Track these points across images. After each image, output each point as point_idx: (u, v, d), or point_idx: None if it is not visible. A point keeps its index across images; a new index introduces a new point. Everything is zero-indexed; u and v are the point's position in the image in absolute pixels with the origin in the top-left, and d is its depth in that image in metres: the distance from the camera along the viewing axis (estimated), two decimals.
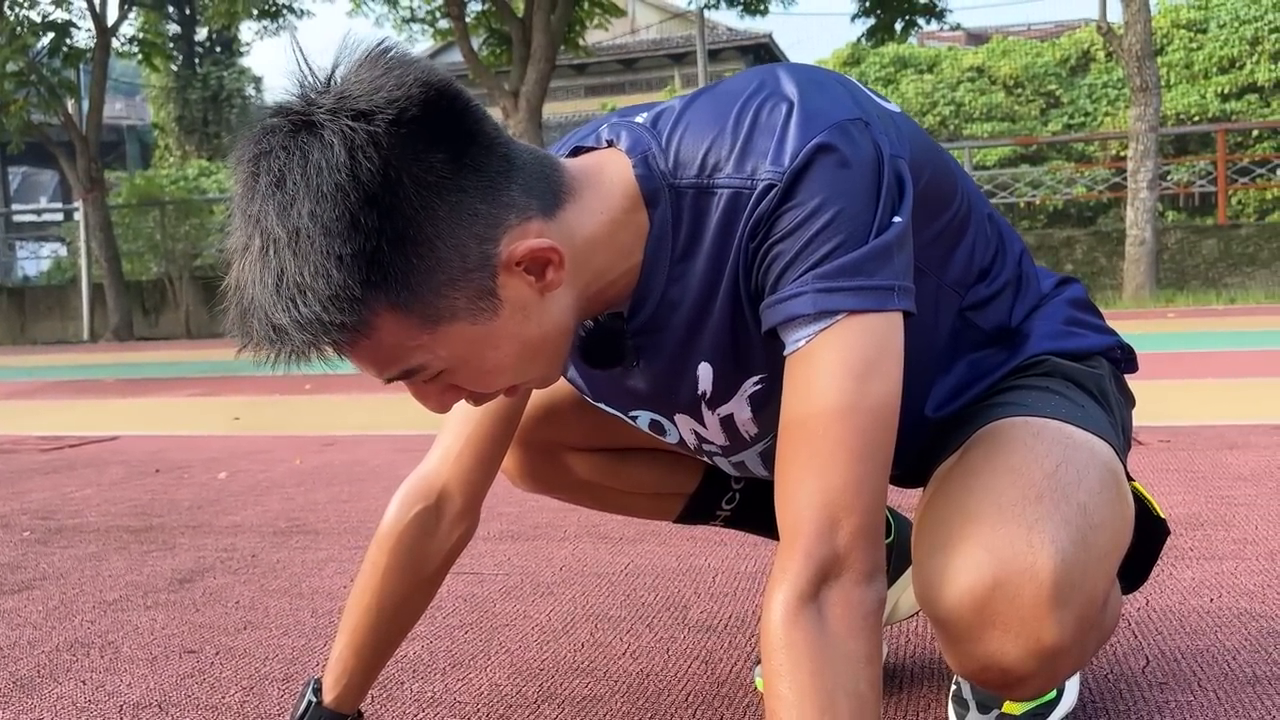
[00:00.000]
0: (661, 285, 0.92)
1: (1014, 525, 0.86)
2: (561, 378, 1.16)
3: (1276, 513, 2.13)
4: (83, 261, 13.68)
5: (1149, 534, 1.04)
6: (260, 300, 0.77)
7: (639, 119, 0.94)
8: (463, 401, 1.10)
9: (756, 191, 0.85)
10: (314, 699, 1.15)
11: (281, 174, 0.76)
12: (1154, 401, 3.80)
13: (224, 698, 1.42)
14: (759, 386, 0.98)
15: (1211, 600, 1.62)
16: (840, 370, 0.83)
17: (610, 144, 0.94)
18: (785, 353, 0.86)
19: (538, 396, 1.25)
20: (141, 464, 3.46)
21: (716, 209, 0.88)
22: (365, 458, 3.38)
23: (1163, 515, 1.06)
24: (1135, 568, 1.05)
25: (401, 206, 0.76)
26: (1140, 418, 3.74)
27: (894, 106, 0.96)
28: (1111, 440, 0.98)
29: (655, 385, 1.01)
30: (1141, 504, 1.02)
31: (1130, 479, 1.00)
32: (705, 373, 0.98)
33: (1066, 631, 0.86)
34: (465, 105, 0.81)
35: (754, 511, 1.41)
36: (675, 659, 1.49)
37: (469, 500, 1.14)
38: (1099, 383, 1.06)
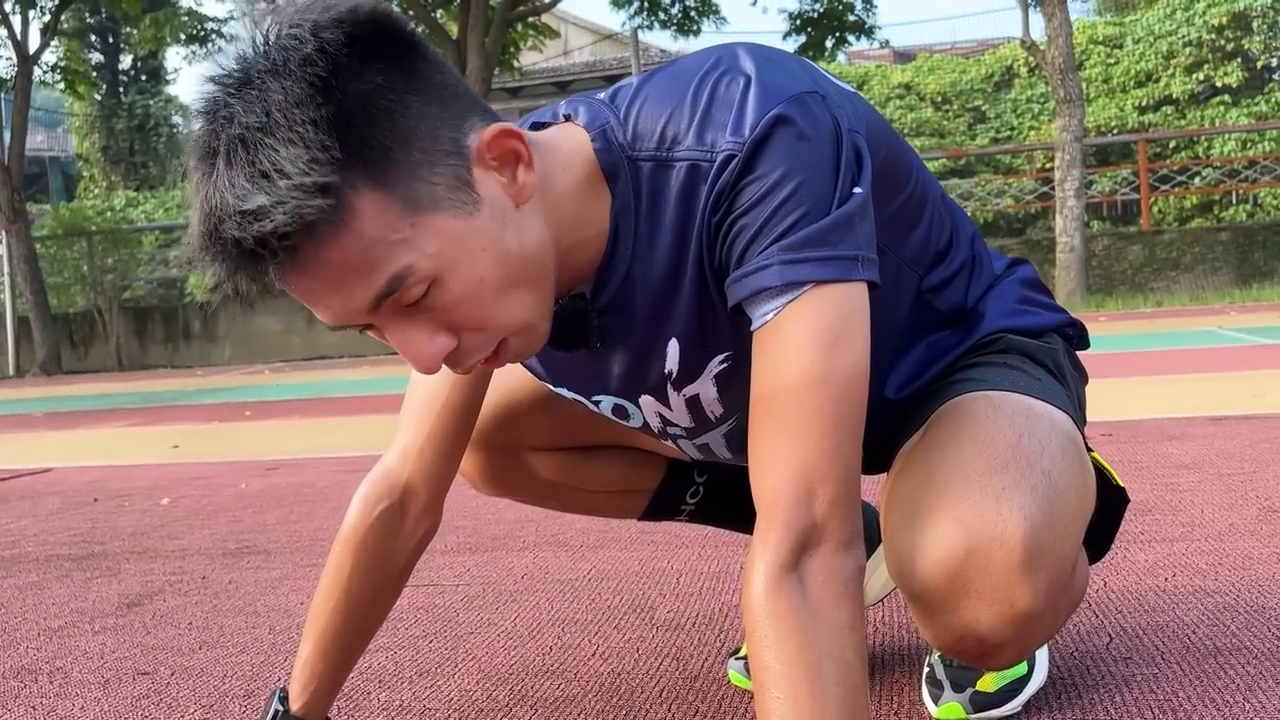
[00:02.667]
0: (626, 261, 0.92)
1: (982, 495, 0.87)
2: (522, 368, 1.15)
3: (1219, 497, 2.18)
4: (6, 295, 13.30)
5: (1110, 502, 1.06)
6: (231, 199, 0.75)
7: (598, 96, 0.94)
8: (421, 393, 1.09)
9: (717, 163, 0.85)
10: (280, 707, 1.12)
11: (246, 74, 0.77)
12: (1093, 398, 3.86)
13: (183, 717, 1.37)
14: (725, 365, 0.98)
15: (1166, 579, 1.65)
16: (809, 341, 0.83)
17: (568, 118, 0.93)
18: (753, 327, 0.86)
19: (496, 397, 1.24)
20: (78, 494, 3.35)
21: (676, 181, 0.88)
22: (312, 479, 3.31)
23: (1121, 484, 1.08)
24: (1099, 536, 1.07)
25: (371, 96, 0.77)
26: None
27: (849, 87, 0.97)
28: (1070, 412, 1.00)
29: (620, 366, 1.00)
30: (1101, 474, 1.04)
31: (1089, 449, 1.03)
32: (672, 351, 0.97)
33: (1039, 595, 0.87)
34: (411, 32, 0.82)
35: (718, 505, 1.41)
36: (645, 657, 1.47)
37: (433, 495, 1.12)
38: (1054, 357, 1.08)
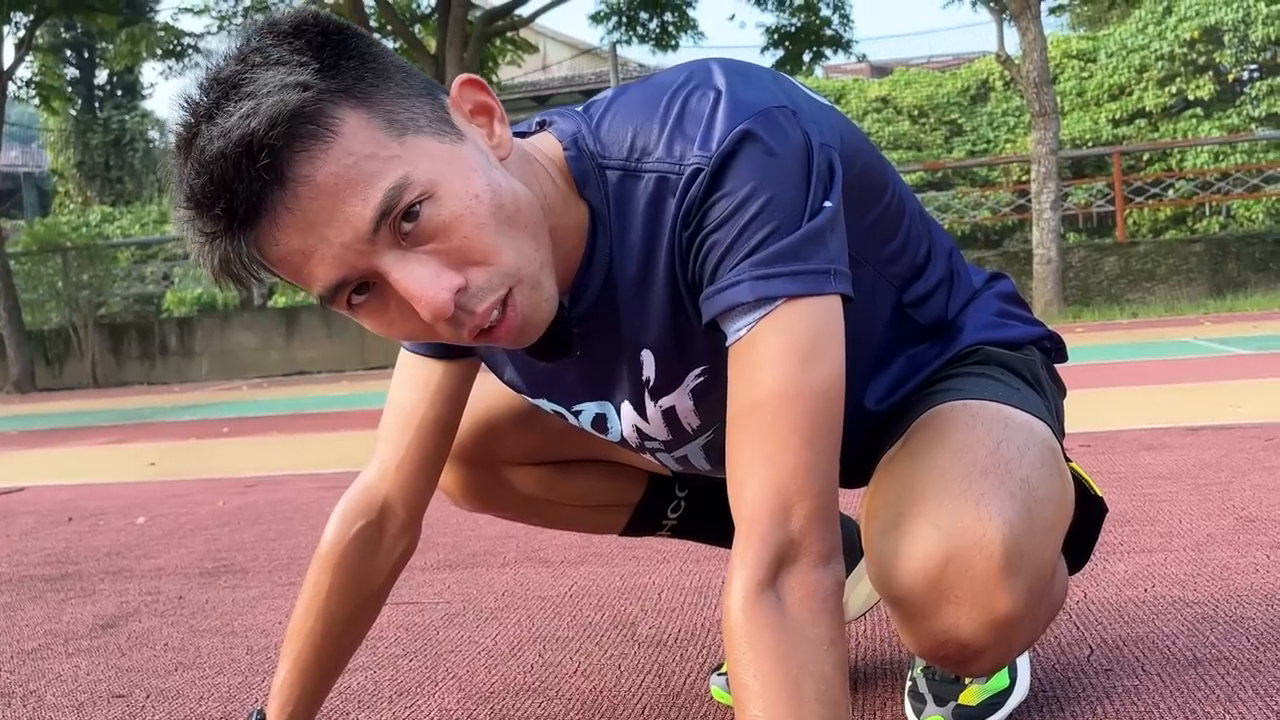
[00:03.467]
0: (604, 269, 0.92)
1: (961, 501, 0.87)
2: (499, 382, 1.14)
3: (1197, 507, 2.20)
4: None
5: (1089, 512, 1.07)
6: (218, 129, 0.75)
7: (574, 108, 0.95)
8: (399, 411, 1.08)
9: (685, 176, 0.85)
10: None
11: (218, 74, 0.79)
12: (1071, 409, 3.89)
13: None
14: (701, 379, 0.98)
15: (1145, 590, 1.66)
16: (783, 356, 0.83)
17: (543, 126, 0.95)
18: (728, 343, 0.86)
19: (475, 413, 1.23)
20: (52, 513, 3.31)
21: (644, 192, 0.88)
22: (290, 496, 3.29)
23: (1100, 494, 1.09)
24: (1078, 546, 1.08)
25: (345, 44, 0.81)
26: None
27: (825, 101, 0.97)
28: (1048, 421, 1.01)
29: (599, 375, 1.00)
30: (1080, 483, 1.05)
31: (1068, 459, 1.03)
32: (648, 360, 0.97)
33: (1019, 600, 0.87)
34: (371, 44, 0.83)
35: (700, 520, 1.41)
36: (628, 674, 1.47)
37: (411, 512, 1.11)
38: (1032, 369, 1.09)
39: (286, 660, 1.11)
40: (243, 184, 0.75)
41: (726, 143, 0.84)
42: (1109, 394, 4.39)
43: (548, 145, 0.92)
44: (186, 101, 0.79)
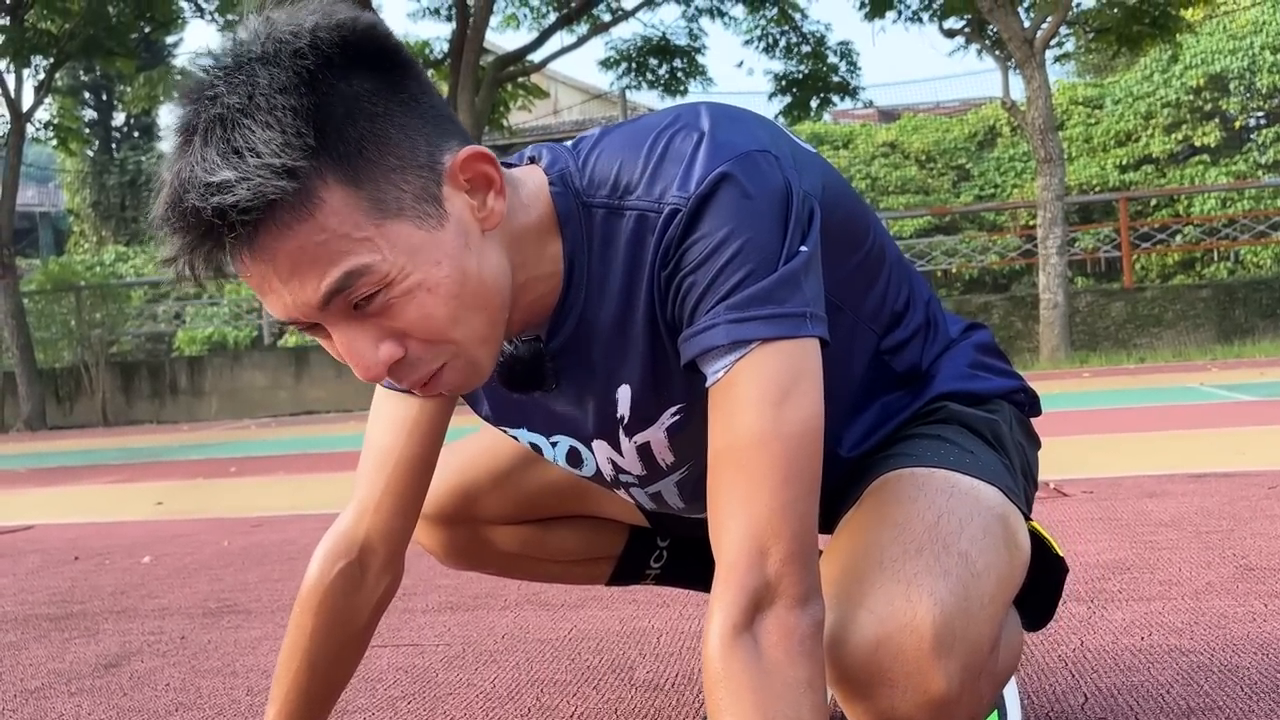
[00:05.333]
0: (580, 304, 0.94)
1: (893, 583, 0.88)
2: (475, 444, 1.15)
3: (1197, 555, 2.20)
4: None
5: (1050, 572, 1.06)
6: (200, 171, 0.76)
7: (564, 144, 0.97)
8: (375, 451, 1.10)
9: (663, 215, 0.87)
10: None
11: (237, 60, 0.79)
12: (1075, 455, 3.91)
13: None
14: (677, 417, 0.99)
15: (1142, 639, 1.66)
16: (757, 399, 0.84)
17: (533, 160, 0.96)
18: (707, 384, 0.88)
19: (451, 474, 1.25)
20: (59, 552, 3.33)
21: (625, 230, 0.90)
22: (295, 537, 3.30)
23: (1060, 553, 1.08)
24: (1040, 605, 1.08)
25: (355, 98, 0.80)
26: (1063, 470, 3.81)
27: (810, 148, 0.99)
28: (1003, 484, 1.00)
29: (574, 409, 1.01)
30: (1040, 543, 1.04)
31: (1028, 518, 1.03)
32: (624, 396, 0.98)
33: (954, 681, 0.87)
34: (404, 50, 0.84)
35: (683, 568, 1.42)
36: (624, 719, 1.47)
37: (391, 551, 1.12)
38: (993, 428, 1.08)
39: (274, 703, 1.12)
40: (212, 238, 0.78)
41: (705, 184, 0.86)
42: (1114, 439, 4.39)
43: (535, 179, 0.93)
44: (197, 92, 0.79)
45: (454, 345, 0.85)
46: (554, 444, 1.08)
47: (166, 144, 0.82)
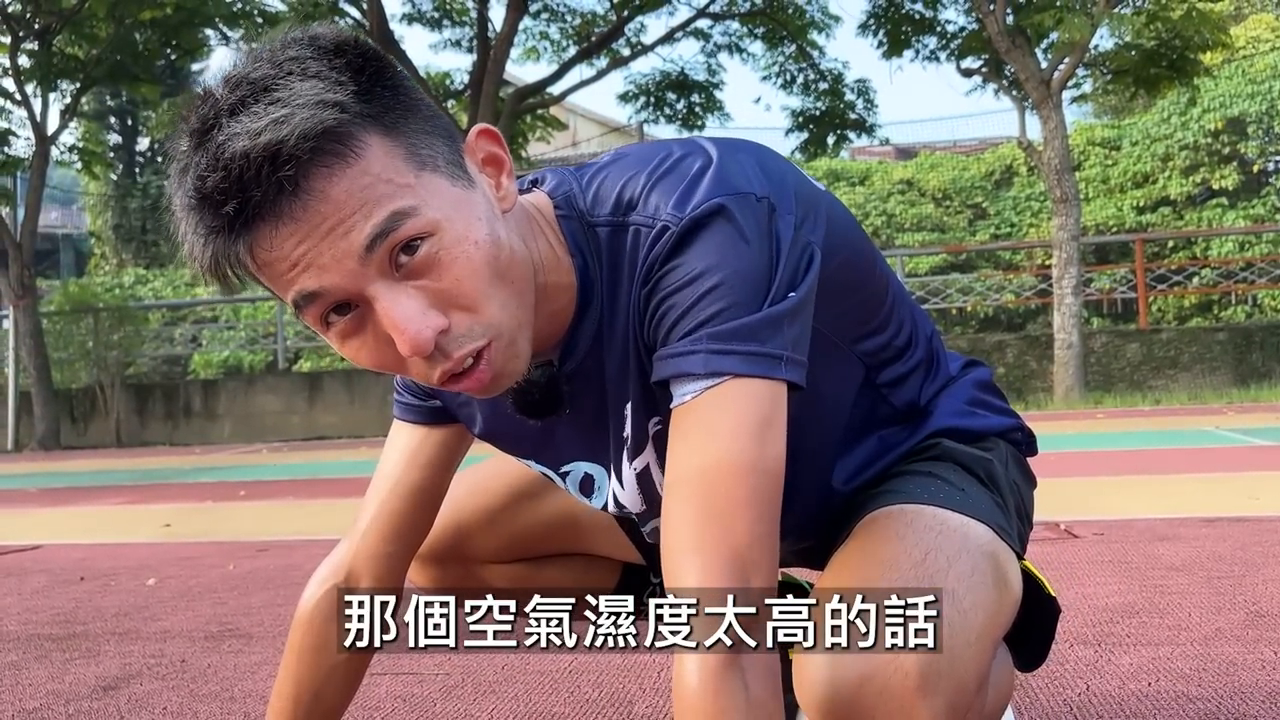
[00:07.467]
0: (594, 326, 0.93)
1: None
2: (468, 485, 1.15)
3: (1208, 600, 2.17)
4: (10, 370, 13.35)
5: (1044, 613, 1.05)
6: (242, 127, 0.76)
7: (568, 168, 0.98)
8: (380, 477, 1.10)
9: (655, 231, 0.87)
10: None
11: (252, 59, 0.81)
12: (1087, 496, 3.87)
13: None
14: (659, 428, 0.97)
15: (1149, 684, 1.64)
16: (735, 429, 0.83)
17: (535, 184, 0.97)
18: (672, 405, 0.87)
19: (444, 515, 1.25)
20: (65, 572, 3.33)
21: (628, 245, 0.90)
22: (300, 562, 3.29)
23: (1053, 594, 1.06)
24: (1034, 646, 1.06)
25: (380, 72, 0.82)
26: (1074, 512, 3.78)
27: (820, 185, 0.99)
28: (994, 522, 0.99)
29: (587, 433, 1.01)
30: (1032, 583, 1.03)
31: (1021, 557, 1.01)
32: (629, 414, 0.98)
33: (939, 718, 0.85)
34: (403, 78, 0.85)
35: None
36: None
37: (378, 575, 1.12)
38: (987, 467, 1.07)
39: None
40: (259, 188, 0.77)
41: (701, 210, 0.86)
42: (1127, 481, 4.36)
43: (540, 203, 0.94)
44: (208, 94, 0.80)
45: (494, 321, 0.84)
46: (565, 474, 1.08)
47: (180, 143, 0.81)
